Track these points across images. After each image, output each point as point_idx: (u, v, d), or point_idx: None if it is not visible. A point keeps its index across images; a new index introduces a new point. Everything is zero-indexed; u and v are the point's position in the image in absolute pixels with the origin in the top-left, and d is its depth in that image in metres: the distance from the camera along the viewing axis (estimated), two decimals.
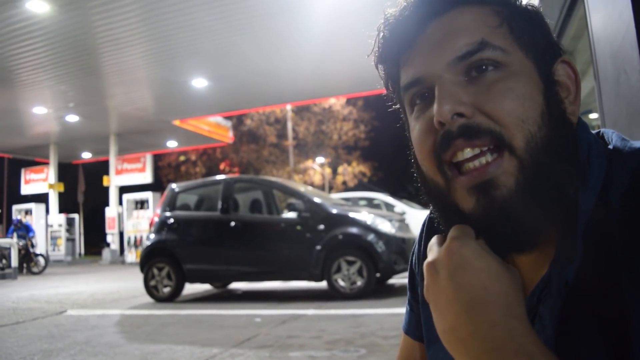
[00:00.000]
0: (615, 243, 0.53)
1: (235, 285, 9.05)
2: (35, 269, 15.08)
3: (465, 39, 0.59)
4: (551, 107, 0.59)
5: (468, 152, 0.57)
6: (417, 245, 0.83)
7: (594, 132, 0.64)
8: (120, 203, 20.30)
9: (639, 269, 0.50)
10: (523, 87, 0.58)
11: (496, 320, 0.52)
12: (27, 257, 15.15)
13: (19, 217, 17.08)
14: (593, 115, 4.45)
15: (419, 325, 0.81)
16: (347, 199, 12.23)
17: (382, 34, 0.66)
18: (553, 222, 0.57)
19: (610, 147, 0.61)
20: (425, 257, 0.79)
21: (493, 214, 0.56)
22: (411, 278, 0.84)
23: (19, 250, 14.76)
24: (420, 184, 0.67)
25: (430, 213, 0.78)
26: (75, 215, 22.77)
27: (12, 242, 13.47)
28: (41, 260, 15.33)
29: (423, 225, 0.82)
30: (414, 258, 0.84)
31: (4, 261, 13.54)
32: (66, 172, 25.47)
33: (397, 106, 0.71)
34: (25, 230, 15.67)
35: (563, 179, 0.57)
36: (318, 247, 6.74)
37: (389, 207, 12.88)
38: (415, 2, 0.63)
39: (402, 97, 0.66)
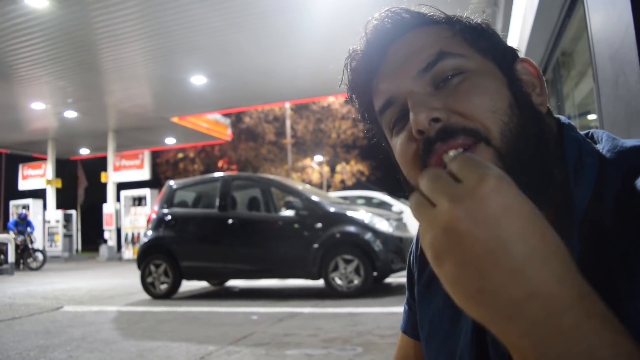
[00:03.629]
0: (610, 242, 0.53)
1: (233, 283, 9.05)
2: (33, 265, 15.06)
3: (425, 52, 0.63)
4: (518, 99, 0.61)
5: (453, 154, 0.58)
6: (414, 245, 0.83)
7: (582, 132, 0.66)
8: (118, 199, 20.29)
9: (632, 268, 0.51)
10: (488, 82, 0.61)
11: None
12: (26, 253, 15.14)
13: (24, 211, 17.10)
14: (592, 116, 4.46)
15: (416, 324, 0.81)
16: (345, 198, 12.23)
17: (350, 67, 0.70)
18: (546, 209, 0.56)
19: (600, 146, 0.62)
20: (423, 256, 0.80)
21: None
22: (409, 278, 0.85)
23: (18, 246, 14.76)
24: None
25: None
26: (73, 212, 22.75)
27: (9, 238, 13.44)
28: (40, 256, 15.32)
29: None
30: (411, 258, 0.84)
31: (1, 257, 13.52)
32: (64, 168, 25.45)
33: (374, 133, 0.74)
34: (25, 226, 15.70)
35: (546, 164, 0.58)
36: (315, 246, 6.74)
37: (387, 206, 12.89)
38: (376, 29, 0.67)
39: (380, 123, 0.69)
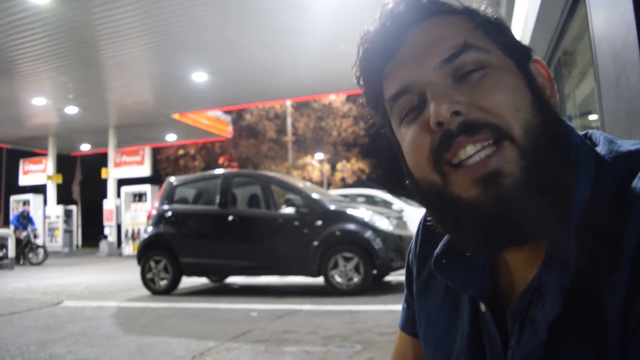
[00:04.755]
0: (600, 248, 0.54)
1: (232, 280, 9.06)
2: (34, 260, 15.10)
3: (448, 42, 0.61)
4: (538, 97, 0.60)
5: (470, 149, 0.57)
6: (414, 243, 0.84)
7: (580, 133, 0.65)
8: (119, 195, 20.30)
9: (617, 276, 0.51)
10: (509, 79, 0.60)
11: None
12: (29, 248, 15.18)
13: (27, 209, 17.20)
14: (593, 117, 4.46)
15: (415, 322, 0.81)
16: (345, 196, 12.23)
17: (362, 48, 0.67)
18: (557, 211, 0.56)
19: (598, 149, 0.62)
20: (422, 254, 0.80)
21: (503, 203, 0.55)
22: (408, 275, 0.85)
23: (20, 241, 14.84)
24: (415, 192, 0.66)
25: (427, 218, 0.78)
26: (73, 207, 22.76)
27: (10, 233, 13.47)
28: (41, 252, 15.37)
29: (420, 223, 0.82)
30: (411, 255, 0.84)
31: (3, 250, 13.56)
32: (65, 163, 25.44)
33: (377, 119, 0.72)
34: (27, 222, 15.81)
35: (562, 166, 0.57)
36: (315, 243, 6.74)
37: (387, 204, 12.89)
38: (393, 13, 0.64)
39: (390, 110, 0.66)
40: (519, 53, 0.64)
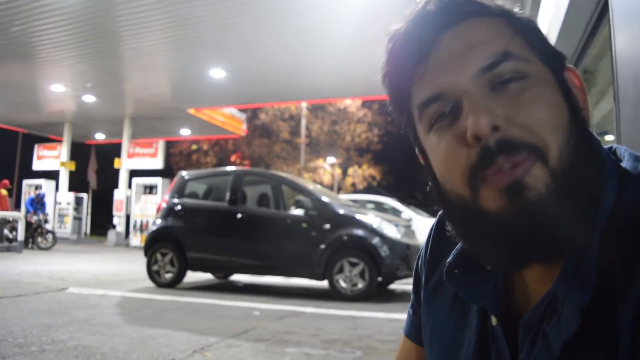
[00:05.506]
0: (620, 265, 0.53)
1: (237, 277, 9.08)
2: (43, 245, 15.23)
3: (488, 50, 0.57)
4: (575, 114, 0.58)
5: (507, 168, 0.54)
6: (424, 249, 0.83)
7: (605, 147, 0.64)
8: (130, 186, 20.43)
9: (631, 297, 0.51)
10: (550, 95, 0.57)
11: None
12: (39, 233, 15.31)
13: (43, 192, 17.35)
14: (609, 137, 4.42)
15: (419, 329, 0.81)
16: (355, 201, 12.21)
17: (392, 47, 0.63)
18: (583, 229, 0.54)
19: (623, 164, 0.60)
20: (432, 261, 0.79)
21: (529, 217, 0.53)
22: (416, 281, 0.85)
23: (31, 224, 14.98)
24: (440, 202, 0.64)
25: (440, 219, 0.78)
26: (84, 195, 22.92)
27: (20, 216, 13.59)
28: (50, 237, 15.49)
29: (431, 229, 0.82)
30: (420, 262, 0.84)
31: (14, 233, 13.69)
32: (79, 151, 25.63)
33: (399, 121, 0.68)
34: (40, 206, 15.97)
35: (593, 184, 0.55)
36: (322, 246, 6.74)
37: (397, 212, 12.86)
38: (426, 13, 0.60)
39: (419, 116, 0.62)
40: (555, 61, 0.61)
